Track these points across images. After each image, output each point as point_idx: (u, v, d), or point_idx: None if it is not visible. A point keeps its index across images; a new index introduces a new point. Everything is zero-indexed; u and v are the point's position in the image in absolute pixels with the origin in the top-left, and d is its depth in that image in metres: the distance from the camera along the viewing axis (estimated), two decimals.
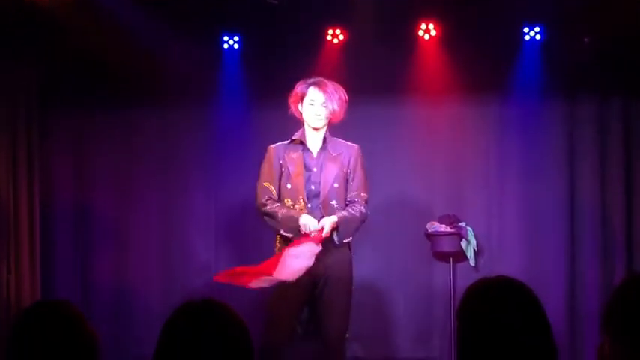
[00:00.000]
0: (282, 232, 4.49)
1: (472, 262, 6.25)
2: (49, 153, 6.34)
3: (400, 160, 6.39)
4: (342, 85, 4.69)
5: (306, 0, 5.26)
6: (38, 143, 6.14)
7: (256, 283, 4.36)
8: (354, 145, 4.67)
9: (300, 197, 4.50)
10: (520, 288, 2.13)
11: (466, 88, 6.34)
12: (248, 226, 6.28)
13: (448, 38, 6.34)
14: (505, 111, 6.41)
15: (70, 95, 6.40)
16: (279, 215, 4.47)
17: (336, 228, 4.47)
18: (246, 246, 6.35)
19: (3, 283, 5.76)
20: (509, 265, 6.19)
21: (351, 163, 4.60)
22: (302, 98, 4.55)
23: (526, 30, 6.32)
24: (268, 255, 4.60)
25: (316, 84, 4.53)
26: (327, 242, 4.48)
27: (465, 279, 5.99)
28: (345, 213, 4.49)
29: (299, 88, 4.56)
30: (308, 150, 4.59)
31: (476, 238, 6.25)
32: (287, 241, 4.47)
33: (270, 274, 4.28)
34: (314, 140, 4.60)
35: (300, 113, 4.59)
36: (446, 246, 6.23)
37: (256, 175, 4.70)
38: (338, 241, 4.47)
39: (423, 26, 6.36)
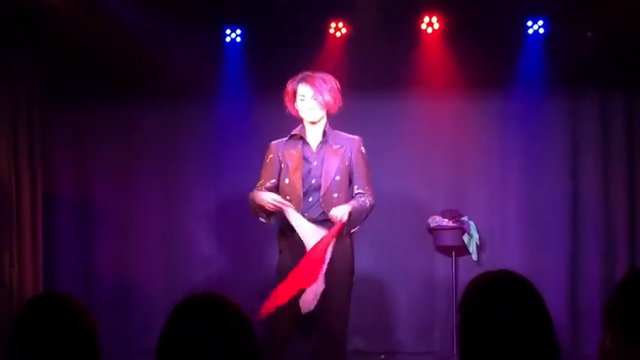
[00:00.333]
0: (260, 218, 4.57)
1: (474, 257, 6.25)
2: (51, 148, 6.34)
3: (403, 154, 6.39)
4: (344, 79, 4.68)
5: None
6: (40, 139, 6.14)
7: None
8: (356, 136, 4.66)
9: (298, 192, 4.50)
10: (522, 283, 2.12)
11: (469, 82, 6.33)
12: (249, 221, 6.24)
13: (451, 32, 6.33)
14: (507, 106, 6.40)
15: (72, 90, 6.40)
16: (251, 197, 4.55)
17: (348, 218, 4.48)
18: (247, 240, 6.35)
19: (5, 277, 5.77)
20: (511, 259, 6.20)
21: (353, 155, 4.59)
22: (294, 96, 4.56)
23: (529, 24, 6.31)
24: (268, 249, 4.60)
25: (303, 79, 4.53)
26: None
27: (467, 273, 5.99)
28: (355, 203, 4.49)
29: (290, 86, 4.57)
30: (307, 144, 4.59)
31: (478, 233, 6.25)
32: (291, 229, 4.49)
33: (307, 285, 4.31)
34: (313, 134, 4.60)
35: (297, 111, 4.59)
36: (448, 240, 6.23)
37: (258, 169, 4.71)
38: (347, 231, 4.47)
39: (426, 19, 6.35)
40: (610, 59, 6.19)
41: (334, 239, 4.36)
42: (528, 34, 6.32)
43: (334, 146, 4.58)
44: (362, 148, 4.63)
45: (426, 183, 6.41)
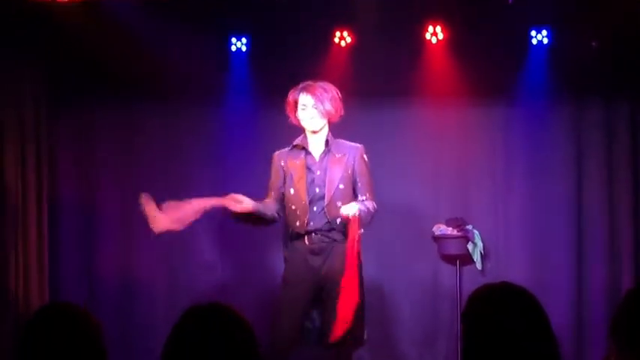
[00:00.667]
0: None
1: (479, 266, 6.25)
2: (55, 151, 6.36)
3: (407, 162, 6.39)
4: (349, 88, 4.71)
5: (314, 2, 5.27)
6: (47, 142, 6.16)
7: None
8: (359, 145, 4.68)
9: (303, 202, 4.51)
10: (523, 294, 2.14)
11: (473, 91, 6.34)
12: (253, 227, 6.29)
13: (455, 41, 6.34)
14: (512, 114, 6.40)
15: (77, 94, 6.42)
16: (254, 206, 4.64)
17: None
18: (251, 246, 6.36)
19: (11, 278, 5.79)
20: (516, 268, 6.20)
21: (356, 163, 4.62)
22: (296, 105, 4.58)
23: (533, 33, 6.31)
24: (272, 256, 4.62)
25: (304, 89, 4.56)
26: (332, 242, 4.49)
27: (471, 282, 5.99)
28: (361, 206, 4.51)
29: (291, 96, 4.60)
30: (310, 154, 4.60)
31: (482, 242, 6.25)
32: (296, 237, 4.50)
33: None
34: (315, 144, 4.62)
35: (299, 120, 4.62)
36: (453, 249, 6.23)
37: (262, 176, 4.73)
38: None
39: (431, 29, 6.36)
40: (614, 68, 6.20)
41: (359, 239, 4.39)
42: (532, 43, 6.33)
43: (337, 155, 4.60)
44: (364, 155, 4.66)
45: (430, 191, 6.42)
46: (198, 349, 1.97)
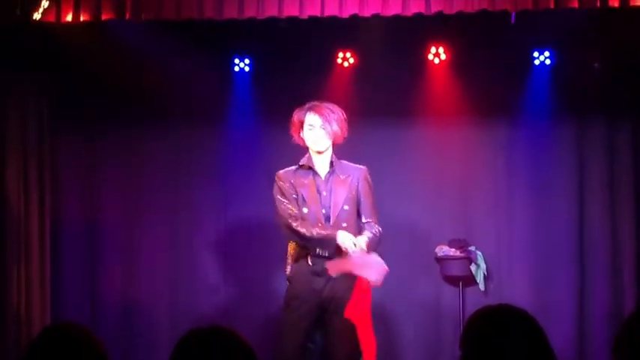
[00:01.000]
0: (318, 251, 4.48)
1: (482, 287, 6.23)
2: (58, 169, 6.36)
3: (410, 183, 6.39)
4: (352, 108, 4.72)
5: (317, 23, 5.28)
6: (50, 164, 6.17)
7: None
8: (362, 166, 4.69)
9: (319, 222, 4.51)
10: (522, 316, 2.13)
11: (476, 111, 6.35)
12: (257, 246, 6.29)
13: (458, 62, 6.36)
14: (515, 135, 6.41)
15: (82, 113, 6.44)
16: (314, 234, 4.46)
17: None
18: (255, 266, 6.36)
19: (13, 296, 5.78)
20: (519, 289, 6.19)
21: (360, 184, 4.62)
22: (301, 125, 4.58)
23: (536, 54, 6.33)
24: (275, 277, 4.60)
25: (311, 109, 4.57)
26: None
27: (474, 304, 5.96)
28: (369, 234, 4.52)
29: (296, 116, 4.60)
30: (317, 174, 4.61)
31: (485, 263, 6.24)
32: (299, 258, 4.49)
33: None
34: (321, 164, 4.62)
35: (303, 140, 4.61)
36: (455, 270, 6.22)
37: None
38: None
39: (433, 50, 6.38)
40: (616, 88, 6.21)
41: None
42: (535, 64, 6.35)
43: (341, 176, 4.61)
44: (368, 177, 4.67)
45: (433, 212, 6.41)
46: None
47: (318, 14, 5.11)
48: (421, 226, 6.38)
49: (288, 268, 4.59)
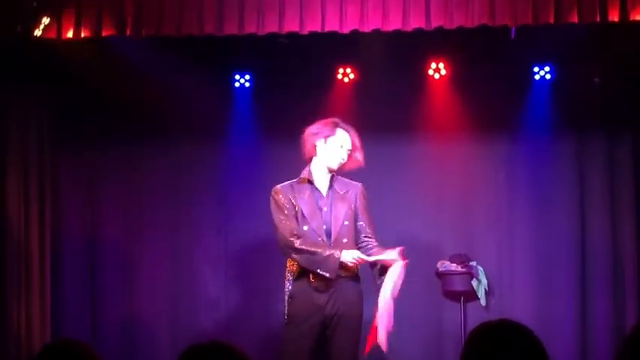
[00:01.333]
0: (319, 271, 4.43)
1: (483, 302, 6.20)
2: (59, 192, 6.36)
3: (410, 198, 6.38)
4: (352, 123, 4.71)
5: (317, 39, 5.29)
6: (49, 183, 6.16)
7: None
8: (358, 183, 4.69)
9: (320, 238, 4.49)
10: (522, 331, 2.12)
11: (476, 126, 6.36)
12: (258, 262, 6.28)
13: (458, 77, 6.37)
14: (515, 149, 6.41)
15: (82, 130, 6.44)
16: (318, 255, 4.42)
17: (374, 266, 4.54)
18: (256, 282, 6.34)
19: (13, 318, 5.76)
20: (520, 305, 6.17)
21: (358, 201, 4.62)
22: (326, 137, 4.55)
23: (536, 69, 6.34)
24: (277, 293, 4.58)
25: (348, 130, 4.57)
26: (337, 279, 4.46)
27: (475, 319, 5.93)
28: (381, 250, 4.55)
29: (325, 127, 4.56)
30: (316, 189, 4.59)
31: (487, 278, 6.22)
32: (301, 275, 4.47)
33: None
34: (322, 179, 4.60)
35: (313, 148, 4.57)
36: (457, 285, 6.19)
37: (265, 213, 4.68)
38: (380, 281, 4.51)
39: (433, 65, 6.40)
40: (616, 103, 6.22)
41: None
42: (535, 79, 6.36)
43: (340, 192, 4.60)
44: (365, 193, 4.66)
45: (434, 227, 6.40)
46: None
47: (319, 30, 5.12)
48: (422, 241, 6.37)
49: (288, 285, 4.56)
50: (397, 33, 5.14)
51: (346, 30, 5.12)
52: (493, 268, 6.29)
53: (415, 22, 5.06)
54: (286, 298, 4.54)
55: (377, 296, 5.84)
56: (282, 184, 4.62)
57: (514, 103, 6.34)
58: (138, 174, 6.54)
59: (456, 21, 5.04)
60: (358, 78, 6.44)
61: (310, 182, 4.59)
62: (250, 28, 5.14)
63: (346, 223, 4.55)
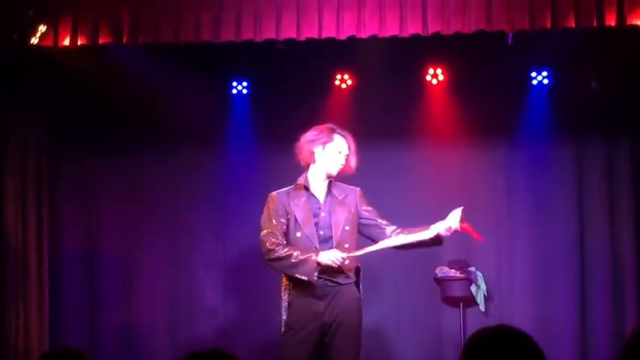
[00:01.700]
0: (297, 275, 4.41)
1: (482, 308, 6.20)
2: (57, 198, 6.36)
3: (409, 203, 6.37)
4: (350, 129, 4.70)
5: (315, 45, 5.29)
6: (48, 190, 6.16)
7: None
8: (356, 187, 4.68)
9: (313, 245, 4.47)
10: (520, 336, 2.11)
11: (474, 132, 6.36)
12: (256, 270, 6.24)
13: (456, 83, 6.38)
14: (513, 154, 6.41)
15: (78, 141, 6.44)
16: (293, 258, 4.41)
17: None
18: (255, 289, 6.33)
19: (11, 328, 5.74)
20: (519, 310, 6.16)
21: (359, 203, 4.60)
22: (324, 143, 4.54)
23: (533, 74, 6.35)
24: (275, 301, 4.57)
25: (344, 134, 4.57)
26: (337, 286, 4.45)
27: (475, 324, 5.94)
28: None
29: (322, 133, 4.55)
30: (313, 195, 4.58)
31: (486, 283, 6.21)
32: (300, 282, 4.44)
33: None
34: (319, 185, 4.59)
35: (311, 155, 4.56)
36: (456, 291, 6.19)
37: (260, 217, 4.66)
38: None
39: (431, 71, 6.40)
40: (614, 107, 6.22)
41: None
42: (533, 84, 6.36)
43: (339, 197, 4.59)
44: (363, 194, 4.65)
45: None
46: None
47: (316, 36, 5.12)
48: None
49: (287, 292, 4.54)
50: (394, 39, 5.14)
51: (343, 36, 5.12)
52: (492, 274, 6.28)
53: (412, 28, 5.05)
54: (284, 305, 4.51)
55: (376, 304, 5.86)
56: (278, 191, 4.61)
57: (512, 108, 6.35)
58: (136, 180, 6.54)
59: (453, 27, 5.04)
60: (356, 84, 6.45)
61: (307, 189, 4.58)
62: (247, 35, 5.13)
63: (347, 228, 4.53)
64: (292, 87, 6.32)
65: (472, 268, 6.20)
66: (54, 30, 5.21)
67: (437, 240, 4.53)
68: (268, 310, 5.98)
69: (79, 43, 5.21)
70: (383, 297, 6.15)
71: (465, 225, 4.45)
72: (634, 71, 5.97)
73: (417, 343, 6.31)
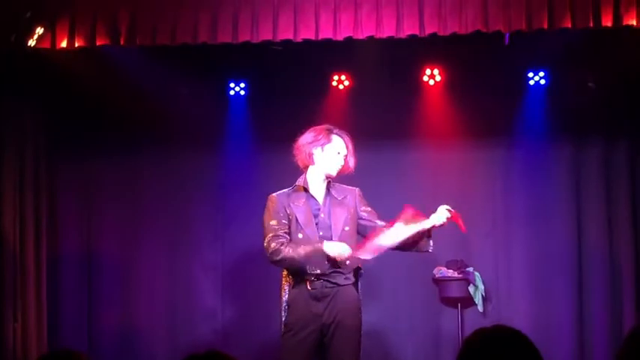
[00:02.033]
0: (308, 269, 4.40)
1: (480, 308, 6.21)
2: (55, 200, 6.35)
3: (406, 203, 6.37)
4: (347, 130, 4.70)
5: (312, 46, 5.30)
6: (45, 191, 6.15)
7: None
8: (355, 187, 4.68)
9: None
10: (517, 337, 2.11)
11: (471, 132, 6.36)
12: (255, 272, 6.26)
13: (453, 83, 6.38)
14: (511, 155, 6.42)
15: (77, 143, 6.44)
16: (300, 255, 4.39)
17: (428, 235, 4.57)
18: (253, 291, 6.33)
19: (9, 332, 5.73)
20: (518, 310, 6.17)
21: (358, 203, 4.61)
22: (323, 145, 4.54)
23: (530, 75, 6.36)
24: (274, 301, 4.58)
25: (342, 135, 4.57)
26: (335, 287, 4.45)
27: (473, 325, 5.94)
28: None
29: (322, 133, 4.55)
30: (312, 196, 4.58)
31: (483, 284, 6.22)
32: (298, 283, 4.45)
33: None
34: (318, 186, 4.59)
35: (310, 156, 4.55)
36: (454, 291, 6.20)
37: (261, 218, 4.65)
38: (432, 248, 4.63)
39: (428, 72, 6.41)
40: (612, 107, 6.23)
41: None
42: (530, 85, 6.37)
43: (338, 198, 4.59)
44: (362, 194, 4.66)
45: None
46: None
47: (313, 37, 5.12)
48: None
49: (286, 294, 4.54)
50: (391, 40, 5.14)
51: (340, 37, 5.12)
52: (490, 274, 6.29)
53: (409, 29, 5.06)
54: (284, 306, 4.52)
55: (374, 305, 5.87)
56: (277, 192, 4.60)
57: (509, 109, 6.35)
58: (134, 181, 6.54)
59: (450, 27, 5.05)
60: (353, 85, 6.46)
61: (306, 190, 4.59)
62: (245, 36, 5.14)
63: (347, 228, 4.53)
64: (289, 88, 6.33)
65: (470, 269, 6.20)
66: (51, 32, 5.22)
67: (428, 235, 4.58)
68: (267, 311, 5.99)
69: (76, 45, 5.21)
70: (381, 298, 6.16)
71: (454, 213, 4.47)
72: (631, 71, 5.98)
73: (416, 344, 6.32)
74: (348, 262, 4.42)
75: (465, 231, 4.60)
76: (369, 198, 4.73)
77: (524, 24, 4.99)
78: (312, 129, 4.59)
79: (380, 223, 4.59)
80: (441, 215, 4.52)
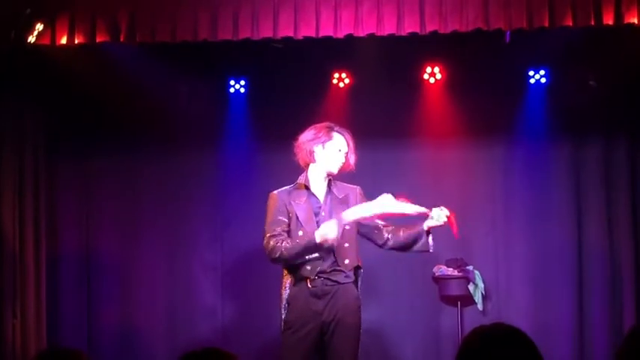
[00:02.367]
0: (307, 257, 4.40)
1: (480, 306, 6.20)
2: (55, 198, 6.34)
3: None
4: (347, 128, 4.70)
5: (312, 44, 5.29)
6: (45, 189, 6.14)
7: None
8: (356, 186, 4.67)
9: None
10: (517, 334, 2.11)
11: (472, 131, 6.36)
12: (254, 270, 6.26)
13: (453, 82, 6.38)
14: (511, 154, 6.41)
15: (77, 141, 6.44)
16: (295, 250, 4.40)
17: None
18: (253, 290, 6.32)
19: (8, 329, 5.72)
20: (517, 309, 6.16)
21: (359, 201, 4.60)
22: (324, 142, 4.53)
23: (531, 73, 6.35)
24: (273, 300, 4.58)
25: (342, 132, 4.56)
26: (336, 285, 4.44)
27: (472, 323, 5.93)
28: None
29: (323, 131, 4.54)
30: (313, 194, 4.57)
31: (483, 282, 6.21)
32: (298, 281, 4.45)
33: None
34: (319, 184, 4.59)
35: (311, 154, 4.54)
36: (453, 290, 6.19)
37: (261, 220, 4.64)
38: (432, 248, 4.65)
39: (429, 70, 6.40)
40: (612, 106, 6.22)
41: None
42: (530, 83, 6.36)
43: (339, 196, 4.59)
44: (363, 193, 4.65)
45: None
46: None
47: (313, 35, 5.11)
48: None
49: (286, 292, 4.54)
50: (392, 37, 5.13)
51: (341, 35, 5.12)
52: (490, 272, 6.28)
53: (410, 27, 5.05)
54: (283, 304, 4.51)
55: (374, 303, 5.86)
56: (278, 190, 4.60)
57: (509, 107, 6.34)
58: (133, 180, 6.53)
59: (451, 25, 5.04)
60: (353, 83, 6.45)
61: (307, 188, 4.58)
62: (245, 34, 5.13)
63: (347, 227, 4.53)
64: (290, 86, 6.32)
65: (470, 267, 6.20)
66: (51, 29, 5.21)
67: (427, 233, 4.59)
68: (267, 311, 5.98)
69: (76, 41, 5.21)
70: (381, 296, 6.15)
71: (451, 216, 4.47)
72: (631, 70, 5.97)
73: (415, 342, 6.31)
74: (335, 243, 4.39)
75: (457, 236, 4.56)
76: (368, 196, 4.72)
77: (525, 22, 4.98)
78: (312, 127, 4.58)
79: (380, 222, 4.58)
80: (440, 215, 4.50)
